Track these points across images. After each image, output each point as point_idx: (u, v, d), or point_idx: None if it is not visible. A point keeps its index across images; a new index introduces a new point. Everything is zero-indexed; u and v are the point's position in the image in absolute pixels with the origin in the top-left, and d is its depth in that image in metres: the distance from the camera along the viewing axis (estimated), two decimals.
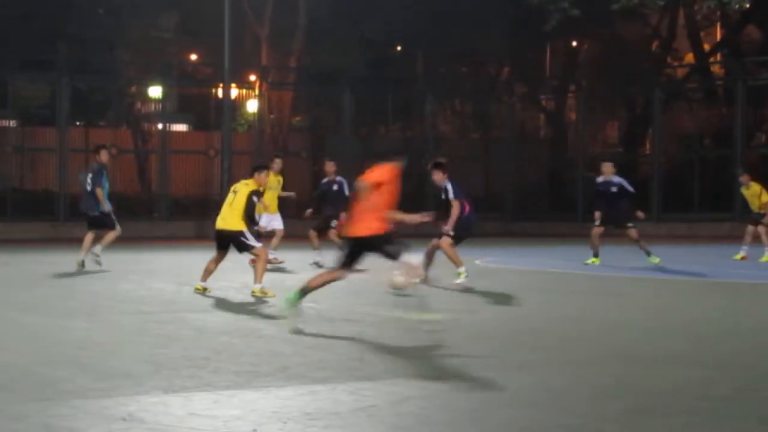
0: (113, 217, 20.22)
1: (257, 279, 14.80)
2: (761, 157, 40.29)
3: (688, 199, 39.54)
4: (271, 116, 41.55)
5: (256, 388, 8.20)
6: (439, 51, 44.34)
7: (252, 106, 40.91)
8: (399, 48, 47.91)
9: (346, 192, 20.60)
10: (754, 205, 23.93)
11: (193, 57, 47.45)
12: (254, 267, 15.41)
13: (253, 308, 13.78)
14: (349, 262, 11.62)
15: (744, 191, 24.33)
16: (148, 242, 30.51)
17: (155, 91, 40.25)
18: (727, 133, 40.32)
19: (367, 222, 11.35)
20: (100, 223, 20.19)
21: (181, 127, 44.10)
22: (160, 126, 39.12)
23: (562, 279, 19.44)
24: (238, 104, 41.18)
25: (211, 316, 12.89)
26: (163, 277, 18.59)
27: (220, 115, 35.32)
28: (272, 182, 20.48)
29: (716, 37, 50.13)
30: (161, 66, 39.47)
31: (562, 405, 7.77)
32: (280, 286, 15.08)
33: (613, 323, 12.61)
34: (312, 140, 43.75)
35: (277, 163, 21.49)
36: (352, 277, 12.47)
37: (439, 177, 16.39)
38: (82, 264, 19.57)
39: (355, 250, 11.56)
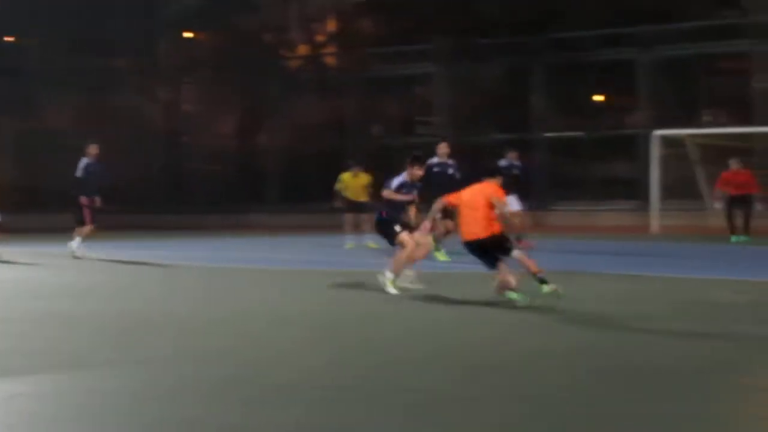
0: None
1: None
2: (377, 147, 41.80)
3: (305, 190, 40.50)
4: None
5: None
6: (55, 41, 43.03)
7: None
8: (11, 38, 46.05)
9: None
10: (360, 195, 24.84)
11: None
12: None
13: None
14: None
15: (351, 180, 25.06)
16: None
17: None
18: (341, 124, 41.55)
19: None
20: None
21: None
22: None
23: (177, 270, 19.44)
24: None
25: None
26: None
27: None
28: None
29: (330, 28, 51.43)
30: None
31: (182, 398, 7.73)
32: None
33: (235, 314, 12.70)
34: None
35: None
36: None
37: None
38: None
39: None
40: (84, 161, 22.00)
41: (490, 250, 13.21)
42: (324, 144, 42.25)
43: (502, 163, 23.07)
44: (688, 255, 22.08)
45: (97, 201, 22.01)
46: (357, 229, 24.76)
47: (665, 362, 9.07)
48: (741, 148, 31.51)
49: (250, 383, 8.25)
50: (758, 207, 25.14)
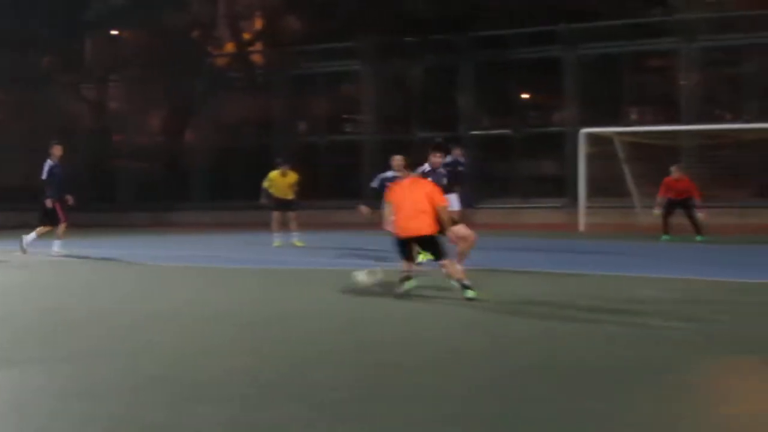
0: None
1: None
2: (301, 144, 41.62)
3: (231, 187, 40.35)
4: None
5: None
6: None
7: None
8: None
9: None
10: (287, 194, 24.66)
11: None
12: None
13: None
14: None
15: (279, 179, 24.80)
16: None
17: None
18: (267, 122, 41.39)
19: None
20: None
21: None
22: None
23: (106, 267, 19.22)
24: None
25: None
26: None
27: None
28: None
29: (257, 26, 51.22)
30: None
31: (108, 395, 7.68)
32: None
33: (161, 311, 12.59)
34: None
35: None
36: None
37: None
38: None
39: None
40: (48, 163, 22.32)
41: (420, 245, 13.59)
42: (251, 142, 42.03)
43: (447, 160, 22.93)
44: (614, 253, 22.17)
45: (69, 199, 22.30)
46: (284, 227, 24.61)
47: (589, 360, 9.08)
48: (668, 146, 31.81)
49: (176, 381, 8.19)
50: (700, 213, 25.27)
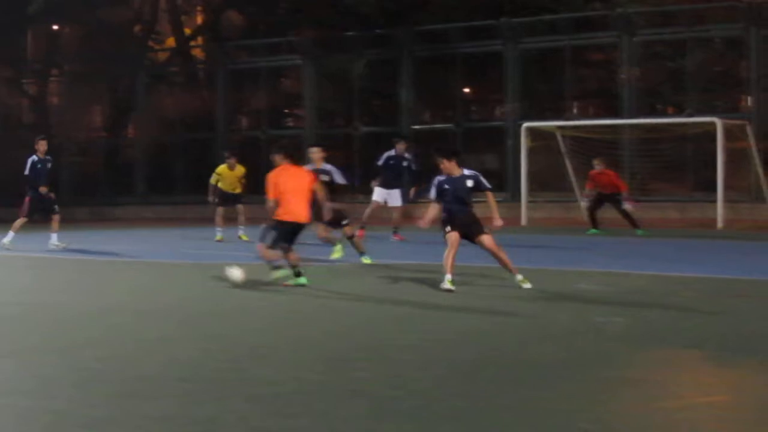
0: None
1: None
2: (243, 139, 41.41)
3: (173, 182, 40.13)
4: None
5: None
6: None
7: None
8: None
9: None
10: (236, 187, 24.55)
11: None
12: None
13: None
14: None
15: (227, 172, 24.59)
16: None
17: None
18: (209, 117, 41.16)
19: None
20: None
21: None
22: None
23: (43, 264, 19.01)
24: None
25: None
26: None
27: None
28: None
29: (198, 21, 50.92)
30: None
31: (49, 391, 7.65)
32: None
33: (102, 307, 12.48)
34: None
35: None
36: None
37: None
38: None
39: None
40: (32, 158, 22.39)
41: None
42: (192, 137, 41.74)
43: (390, 154, 23.01)
44: (556, 247, 22.30)
45: (43, 189, 22.25)
46: (226, 222, 24.37)
47: (527, 354, 9.09)
48: (609, 140, 31.96)
49: (116, 376, 8.19)
50: (626, 205, 25.39)
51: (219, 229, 24.16)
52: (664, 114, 36.18)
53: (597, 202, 25.64)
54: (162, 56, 47.62)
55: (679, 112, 34.72)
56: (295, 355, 9.16)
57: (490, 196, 14.58)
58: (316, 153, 18.94)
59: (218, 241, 23.69)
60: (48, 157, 22.84)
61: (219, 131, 39.98)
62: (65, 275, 17.12)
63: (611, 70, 36.77)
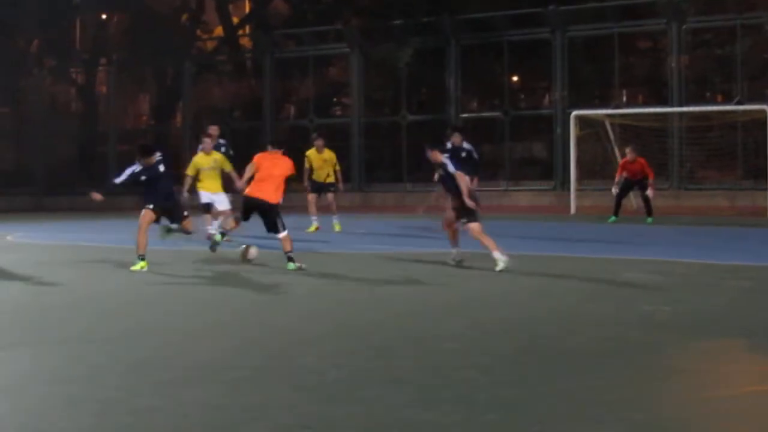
0: None
1: None
2: (290, 127, 41.51)
3: None
4: None
5: None
6: None
7: None
8: None
9: None
10: (327, 174, 23.31)
11: None
12: None
13: None
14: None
15: (314, 155, 23.15)
16: None
17: None
18: (256, 105, 41.27)
19: None
20: None
21: None
22: None
23: (95, 252, 19.09)
24: None
25: None
26: None
27: None
28: None
29: (245, 10, 51.06)
30: None
31: (98, 379, 7.66)
32: None
33: (153, 295, 12.53)
34: None
35: None
36: None
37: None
38: None
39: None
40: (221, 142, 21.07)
41: (270, 215, 15.13)
42: (239, 125, 41.84)
43: (447, 146, 22.20)
44: (604, 235, 22.14)
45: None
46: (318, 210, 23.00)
47: (574, 343, 9.03)
48: (657, 128, 31.74)
49: (164, 364, 8.19)
50: (649, 191, 25.52)
51: (314, 217, 22.79)
52: (713, 102, 35.83)
53: (625, 188, 25.88)
54: (209, 45, 47.81)
55: (728, 99, 34.38)
56: (340, 343, 9.16)
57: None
58: (214, 130, 19.99)
59: (313, 231, 22.36)
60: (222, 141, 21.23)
61: (266, 120, 40.08)
62: (116, 264, 17.14)
63: (659, 58, 36.50)
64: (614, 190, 25.91)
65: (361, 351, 8.71)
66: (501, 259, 14.44)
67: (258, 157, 15.69)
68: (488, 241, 14.74)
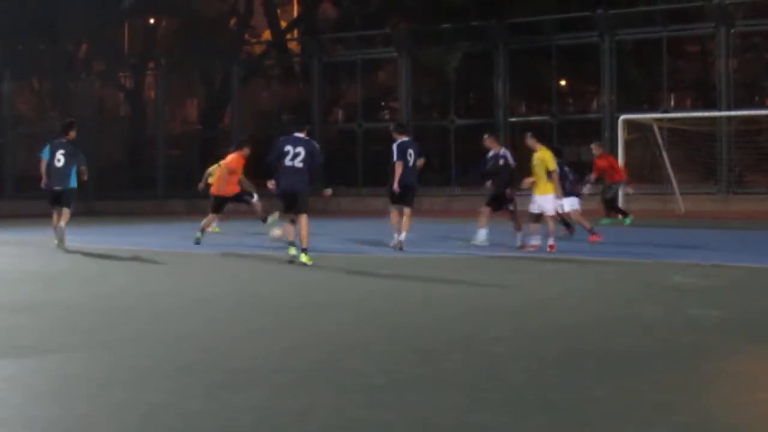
0: None
1: None
2: (339, 131, 41.63)
3: (268, 176, 40.41)
4: None
5: None
6: (15, 26, 42.60)
7: None
8: None
9: None
10: None
11: None
12: None
13: None
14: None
15: None
16: None
17: None
18: (304, 109, 41.42)
19: None
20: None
21: None
22: None
23: (145, 256, 19.24)
24: None
25: None
26: None
27: None
28: None
29: (293, 14, 51.27)
30: None
31: (146, 382, 7.70)
32: None
33: (201, 298, 12.63)
34: None
35: None
36: None
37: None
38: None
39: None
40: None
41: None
42: (288, 129, 41.93)
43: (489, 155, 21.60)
44: (651, 239, 22.04)
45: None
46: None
47: (622, 346, 9.00)
48: (706, 132, 31.55)
49: (211, 367, 8.21)
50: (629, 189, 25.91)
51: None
52: (762, 106, 35.57)
53: (607, 191, 25.93)
54: (257, 49, 48.04)
55: None
56: (388, 346, 9.15)
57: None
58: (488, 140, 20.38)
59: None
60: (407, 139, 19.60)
61: (315, 124, 40.20)
62: (166, 267, 17.28)
63: (708, 62, 36.28)
64: (630, 191, 26.11)
65: (409, 354, 8.72)
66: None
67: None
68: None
